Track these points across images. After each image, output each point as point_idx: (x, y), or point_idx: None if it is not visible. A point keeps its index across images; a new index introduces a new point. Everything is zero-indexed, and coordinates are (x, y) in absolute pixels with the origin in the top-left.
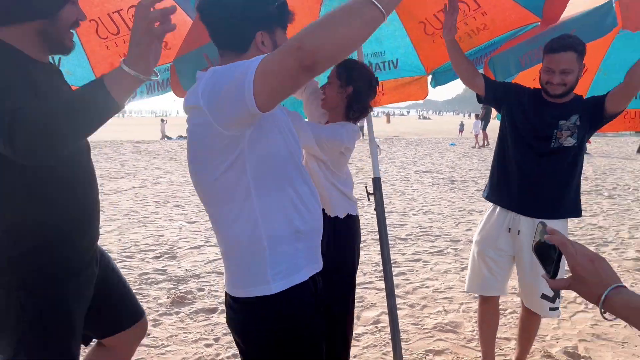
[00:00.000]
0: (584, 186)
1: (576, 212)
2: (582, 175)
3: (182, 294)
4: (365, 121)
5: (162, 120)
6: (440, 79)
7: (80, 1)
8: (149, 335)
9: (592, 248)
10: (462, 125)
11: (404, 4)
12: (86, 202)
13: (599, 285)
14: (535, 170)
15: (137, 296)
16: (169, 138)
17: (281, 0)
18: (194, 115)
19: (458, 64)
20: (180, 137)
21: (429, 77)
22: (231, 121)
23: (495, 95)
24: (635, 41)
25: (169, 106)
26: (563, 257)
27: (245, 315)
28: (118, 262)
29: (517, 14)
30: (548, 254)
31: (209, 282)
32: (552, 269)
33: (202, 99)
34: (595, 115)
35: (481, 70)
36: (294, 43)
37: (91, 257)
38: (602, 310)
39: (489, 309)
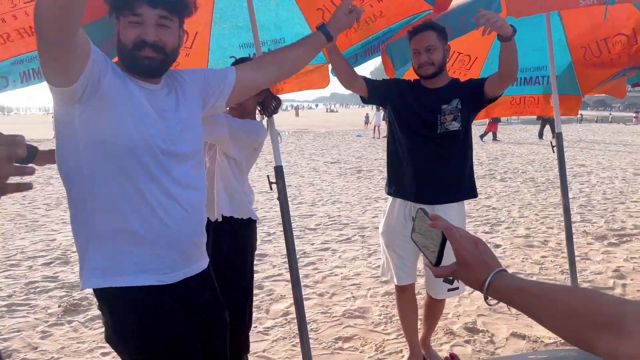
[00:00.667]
0: (479, 171)
1: (472, 193)
2: (477, 160)
3: (75, 301)
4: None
5: None
6: None
7: None
8: (36, 348)
9: (487, 228)
10: (367, 117)
11: None
12: None
13: (482, 270)
14: (426, 159)
15: (24, 307)
16: None
17: None
18: None
19: (337, 66)
20: None
21: (330, 65)
22: (53, 94)
23: (377, 94)
24: (520, 30)
25: None
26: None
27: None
28: (1, 272)
29: (410, 2)
30: (431, 241)
31: None
32: (435, 256)
33: None
34: (476, 99)
35: (379, 58)
36: None
37: None
38: (486, 295)
39: (407, 297)
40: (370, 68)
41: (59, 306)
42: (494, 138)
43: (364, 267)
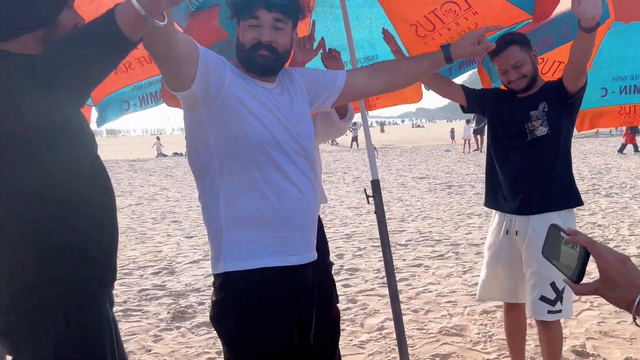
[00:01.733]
0: (581, 186)
1: (573, 201)
2: (578, 175)
3: (182, 309)
4: (359, 128)
5: (158, 138)
6: None
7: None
8: (150, 351)
9: None
10: (452, 131)
11: (393, 8)
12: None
13: (631, 289)
14: (516, 168)
15: (137, 312)
16: (164, 155)
17: None
18: None
19: (429, 81)
20: (176, 154)
21: None
22: (181, 101)
23: (476, 102)
24: (626, 36)
25: (163, 124)
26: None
27: (212, 290)
28: (117, 280)
29: (508, 12)
30: (568, 257)
31: (209, 295)
32: (576, 273)
33: None
34: (561, 97)
35: (475, 69)
36: None
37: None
38: (635, 315)
39: (513, 316)
40: (463, 77)
41: (168, 312)
42: (636, 150)
43: (459, 284)
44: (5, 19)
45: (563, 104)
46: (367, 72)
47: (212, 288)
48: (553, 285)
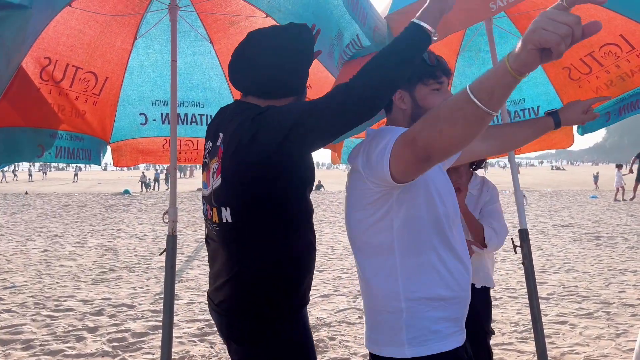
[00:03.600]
0: None
1: None
2: None
3: (314, 342)
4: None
5: None
6: (587, 126)
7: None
8: None
9: None
10: (596, 176)
11: None
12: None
13: None
14: None
15: None
16: None
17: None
18: (353, 169)
19: None
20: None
21: (576, 126)
22: (378, 181)
23: None
24: None
25: None
26: None
27: None
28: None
29: None
30: None
31: (340, 331)
32: None
33: (359, 159)
34: None
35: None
36: (408, 136)
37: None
38: None
39: None
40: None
41: None
42: None
43: (612, 348)
44: (274, 86)
45: None
46: (481, 137)
47: None
48: None
